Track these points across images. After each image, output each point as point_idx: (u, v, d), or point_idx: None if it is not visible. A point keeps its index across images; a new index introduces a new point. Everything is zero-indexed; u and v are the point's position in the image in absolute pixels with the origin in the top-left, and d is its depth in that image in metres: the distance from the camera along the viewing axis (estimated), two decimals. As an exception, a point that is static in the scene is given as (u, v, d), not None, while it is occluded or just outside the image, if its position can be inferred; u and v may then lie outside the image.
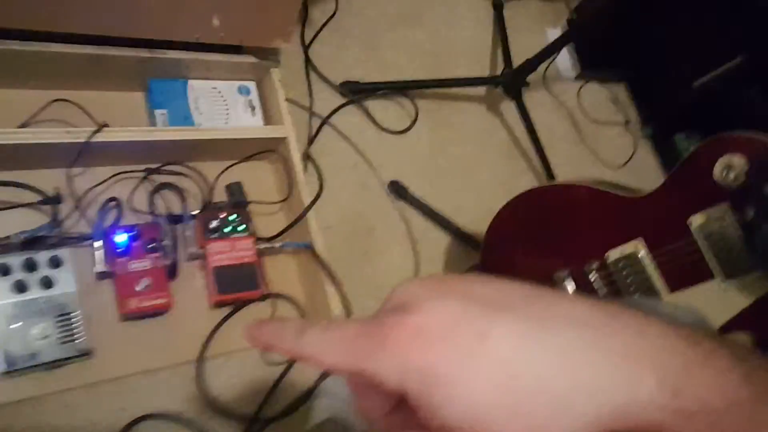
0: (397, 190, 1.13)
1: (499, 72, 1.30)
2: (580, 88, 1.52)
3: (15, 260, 0.72)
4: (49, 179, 0.80)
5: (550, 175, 1.26)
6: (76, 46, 0.81)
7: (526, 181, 1.32)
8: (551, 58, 1.36)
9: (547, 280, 0.92)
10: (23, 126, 0.79)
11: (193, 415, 0.80)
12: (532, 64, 1.19)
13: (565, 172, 1.30)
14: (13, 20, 0.74)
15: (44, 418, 0.72)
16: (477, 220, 1.16)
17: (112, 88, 0.90)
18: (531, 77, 1.25)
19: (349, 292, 0.91)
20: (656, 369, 0.25)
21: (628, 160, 1.49)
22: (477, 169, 1.27)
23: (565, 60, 1.51)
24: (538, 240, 0.95)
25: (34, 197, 0.77)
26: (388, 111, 1.20)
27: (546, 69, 1.46)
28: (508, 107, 1.36)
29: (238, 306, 0.87)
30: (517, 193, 0.97)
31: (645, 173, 1.52)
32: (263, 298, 0.89)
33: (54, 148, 0.77)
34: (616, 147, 1.52)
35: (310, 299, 0.93)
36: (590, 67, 1.52)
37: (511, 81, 1.24)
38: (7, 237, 0.73)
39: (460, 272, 1.10)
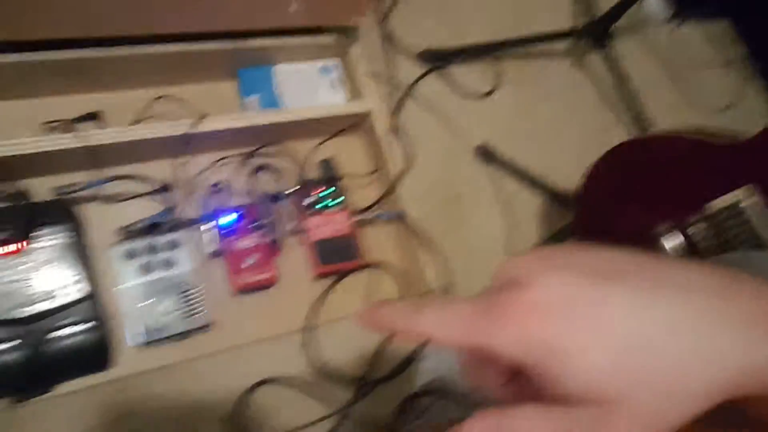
0: (485, 154, 1.13)
1: (581, 24, 1.25)
2: (673, 29, 1.43)
3: (139, 245, 0.79)
4: (159, 170, 0.87)
5: (644, 126, 1.21)
6: (169, 45, 0.86)
7: (619, 134, 1.27)
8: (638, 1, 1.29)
9: (647, 235, 0.90)
10: (135, 124, 0.87)
11: (305, 379, 0.86)
12: (616, 12, 1.14)
13: (660, 123, 1.24)
14: (114, 28, 0.81)
15: (175, 384, 0.79)
16: (569, 178, 1.14)
17: (204, 80, 0.96)
18: (619, 24, 1.19)
19: (443, 257, 0.93)
20: None
21: (731, 104, 1.40)
22: (566, 126, 1.24)
23: (653, 1, 1.43)
24: (635, 194, 0.92)
25: (148, 188, 0.84)
26: (471, 75, 1.19)
27: (634, 12, 1.38)
28: (594, 59, 1.31)
29: (340, 276, 0.91)
30: (609, 147, 0.94)
31: (750, 116, 1.42)
32: (362, 267, 0.93)
33: (162, 141, 0.83)
34: (717, 90, 1.42)
35: (406, 267, 0.96)
36: (684, 6, 1.43)
37: (595, 32, 1.19)
38: (131, 225, 0.81)
39: (553, 232, 1.09)
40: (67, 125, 0.83)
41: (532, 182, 1.14)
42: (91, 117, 0.86)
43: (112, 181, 0.80)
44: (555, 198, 1.14)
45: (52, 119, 0.83)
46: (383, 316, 0.32)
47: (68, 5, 0.76)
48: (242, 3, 0.86)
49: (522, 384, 0.31)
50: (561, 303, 0.27)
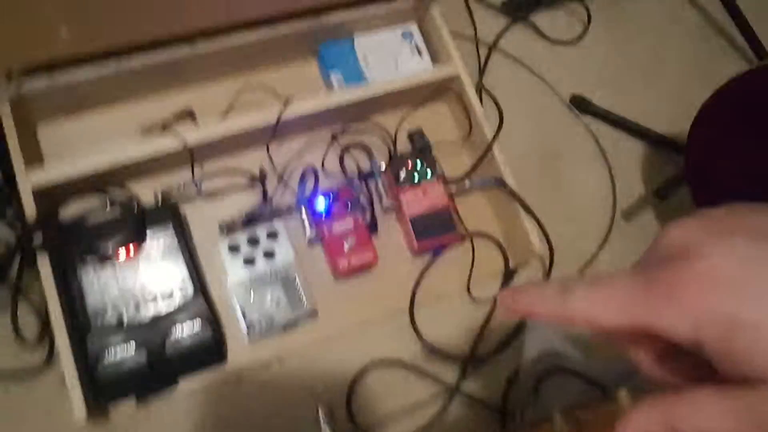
0: (580, 104, 1.06)
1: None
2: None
3: (241, 238, 0.80)
4: (251, 160, 0.87)
5: (761, 52, 1.09)
6: (249, 34, 0.85)
7: (729, 64, 1.16)
8: None
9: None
10: (224, 115, 0.87)
11: (412, 359, 0.85)
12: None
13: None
14: (193, 24, 0.80)
15: (288, 372, 0.81)
16: (674, 120, 1.05)
17: (287, 63, 0.94)
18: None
19: (546, 221, 0.88)
20: None
21: None
22: (665, 62, 1.13)
23: None
24: (759, 133, 0.83)
25: (243, 180, 0.85)
26: (558, 21, 1.11)
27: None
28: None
29: (439, 250, 0.89)
30: (718, 80, 0.85)
31: None
32: (461, 240, 0.90)
33: (253, 131, 0.83)
34: None
35: (509, 235, 0.92)
36: None
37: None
38: (231, 220, 0.82)
39: (662, 181, 1.01)
40: (164, 126, 0.84)
41: (633, 130, 1.06)
42: (184, 115, 0.86)
43: (212, 178, 0.81)
44: (660, 143, 1.06)
45: (148, 122, 0.84)
46: (528, 299, 0.30)
47: (149, 7, 0.76)
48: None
49: (687, 362, 0.28)
50: (740, 272, 0.24)
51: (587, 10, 1.11)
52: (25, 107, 0.79)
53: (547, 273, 0.92)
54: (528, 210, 0.88)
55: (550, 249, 0.90)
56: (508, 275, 0.92)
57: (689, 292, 0.24)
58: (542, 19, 1.10)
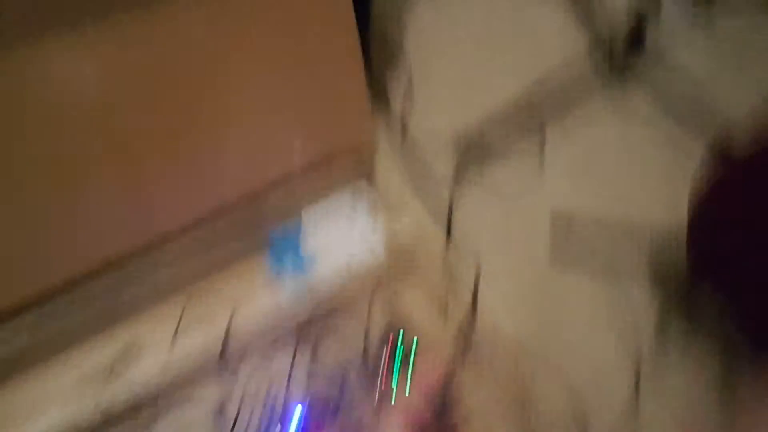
0: (562, 226, 0.97)
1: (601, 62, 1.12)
2: (708, 23, 1.27)
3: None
4: (209, 392, 0.76)
5: (729, 134, 1.03)
6: (184, 237, 0.79)
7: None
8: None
9: None
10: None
11: None
12: (636, 35, 1.00)
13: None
14: (123, 247, 0.74)
15: None
16: (663, 222, 0.97)
17: (237, 262, 0.86)
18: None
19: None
20: None
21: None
22: (640, 165, 1.07)
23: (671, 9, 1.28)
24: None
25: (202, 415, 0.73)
26: (512, 147, 1.06)
27: (657, 28, 1.25)
28: (635, 87, 1.16)
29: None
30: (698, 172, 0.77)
31: None
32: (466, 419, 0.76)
33: (200, 354, 0.73)
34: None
35: (521, 400, 0.79)
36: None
37: (618, 62, 1.05)
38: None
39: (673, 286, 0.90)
40: (106, 371, 0.73)
41: (627, 236, 0.97)
42: (128, 352, 0.76)
43: (158, 419, 0.69)
44: (660, 251, 0.96)
45: (89, 371, 0.74)
46: None
47: (71, 239, 0.70)
48: (242, 162, 0.79)
49: None
50: None
51: (539, 130, 1.06)
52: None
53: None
54: (540, 365, 0.76)
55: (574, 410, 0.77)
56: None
57: None
58: (495, 149, 1.05)
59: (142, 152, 0.71)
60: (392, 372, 0.76)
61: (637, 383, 0.80)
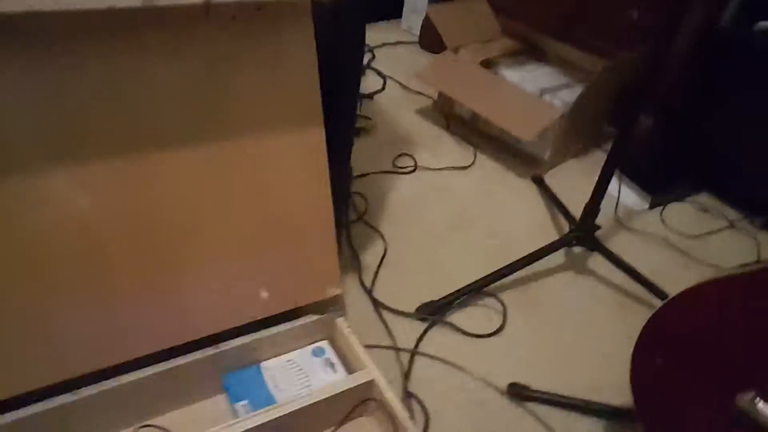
0: (519, 392, 0.99)
1: (566, 233, 1.23)
2: (661, 213, 1.41)
3: None
4: None
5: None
6: (145, 369, 0.81)
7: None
8: (617, 199, 1.30)
9: (727, 406, 0.72)
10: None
11: None
12: (593, 207, 1.13)
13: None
14: (84, 365, 0.77)
15: None
16: (619, 390, 0.99)
17: (193, 400, 0.88)
18: (606, 226, 1.17)
19: None
20: None
21: (747, 261, 1.30)
22: (593, 335, 1.11)
23: (630, 195, 1.43)
24: (700, 366, 0.76)
25: None
26: (475, 317, 1.11)
27: (616, 211, 1.38)
28: (595, 261, 1.26)
29: None
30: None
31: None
32: None
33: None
34: (734, 251, 1.34)
35: None
36: (659, 192, 1.43)
37: (582, 232, 1.16)
38: None
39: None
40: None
41: (582, 408, 0.97)
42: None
43: None
44: (615, 416, 0.96)
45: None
46: None
47: (37, 352, 0.73)
48: (213, 306, 0.84)
49: None
50: None
51: (500, 302, 1.13)
52: None
53: None
54: None
55: None
56: None
57: None
58: (459, 318, 1.10)
59: (118, 281, 0.78)
60: None
61: None
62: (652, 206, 1.42)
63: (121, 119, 0.73)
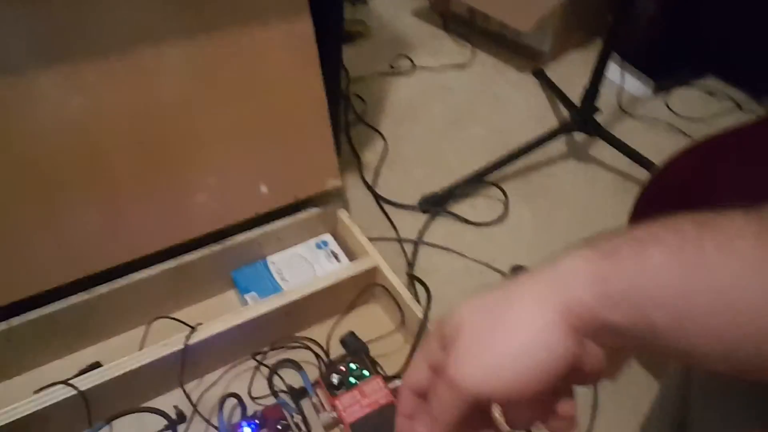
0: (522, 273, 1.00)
1: (565, 118, 1.21)
2: (666, 99, 1.38)
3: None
4: (167, 401, 0.77)
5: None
6: (154, 267, 0.83)
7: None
8: (620, 87, 1.27)
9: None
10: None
11: None
12: (592, 90, 1.10)
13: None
14: (96, 264, 0.79)
15: None
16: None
17: (203, 297, 0.91)
18: (609, 114, 1.15)
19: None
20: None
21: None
22: (596, 219, 1.12)
23: (633, 82, 1.40)
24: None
25: (160, 422, 0.74)
26: (478, 206, 1.12)
27: (619, 100, 1.35)
28: (597, 147, 1.25)
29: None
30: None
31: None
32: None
33: (161, 366, 0.75)
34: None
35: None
36: (663, 77, 1.40)
37: (582, 116, 1.14)
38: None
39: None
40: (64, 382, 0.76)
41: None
42: (91, 369, 0.79)
43: (107, 424, 0.70)
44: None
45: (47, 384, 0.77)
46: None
47: (48, 253, 0.76)
48: (215, 202, 0.85)
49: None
50: (469, 309, 0.36)
51: (502, 190, 1.13)
52: None
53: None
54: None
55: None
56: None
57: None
58: (461, 208, 1.11)
59: (120, 180, 0.79)
60: (342, 387, 0.77)
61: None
62: (656, 92, 1.39)
63: (109, 17, 0.72)
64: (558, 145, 1.23)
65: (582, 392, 0.86)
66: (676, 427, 0.54)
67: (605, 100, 1.23)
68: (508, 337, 0.32)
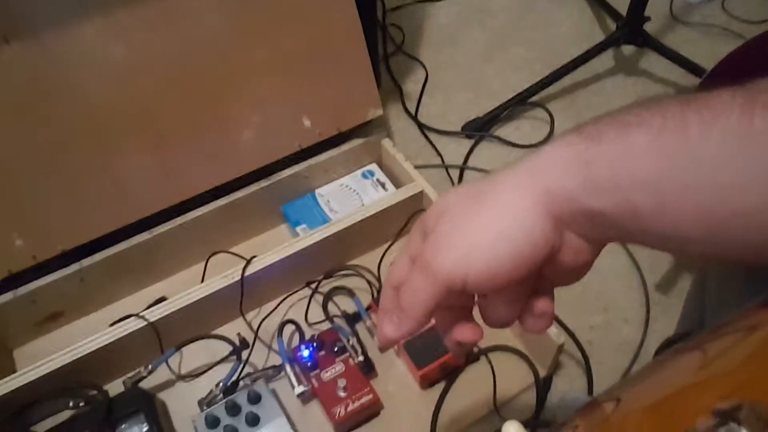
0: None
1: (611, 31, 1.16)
2: (722, 2, 1.30)
3: (219, 409, 0.71)
4: (229, 330, 0.82)
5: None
6: (207, 205, 0.87)
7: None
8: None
9: None
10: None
11: None
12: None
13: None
14: (156, 205, 0.83)
15: None
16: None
17: (258, 231, 0.94)
18: (660, 23, 1.09)
19: (567, 314, 0.77)
20: None
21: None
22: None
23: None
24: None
25: (225, 349, 0.79)
26: (522, 128, 1.10)
27: (671, 8, 1.28)
28: (648, 59, 1.19)
29: (450, 375, 0.77)
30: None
31: None
32: (473, 356, 0.78)
33: (221, 296, 0.79)
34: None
35: (528, 339, 0.80)
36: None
37: (630, 27, 1.09)
38: (209, 393, 0.74)
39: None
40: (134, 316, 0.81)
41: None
42: (157, 303, 0.84)
43: (177, 350, 0.75)
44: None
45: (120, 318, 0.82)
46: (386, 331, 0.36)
47: (108, 198, 0.80)
48: (260, 138, 0.87)
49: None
50: (454, 196, 0.35)
51: (547, 111, 1.11)
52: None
53: (588, 375, 0.78)
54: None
55: (580, 347, 0.78)
56: (543, 387, 0.77)
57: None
58: (506, 131, 1.10)
59: (166, 125, 0.81)
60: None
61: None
62: (711, -5, 1.31)
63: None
64: (604, 60, 1.18)
65: (635, 305, 0.86)
66: (697, 317, 0.54)
67: (655, 9, 1.16)
68: (485, 222, 0.32)
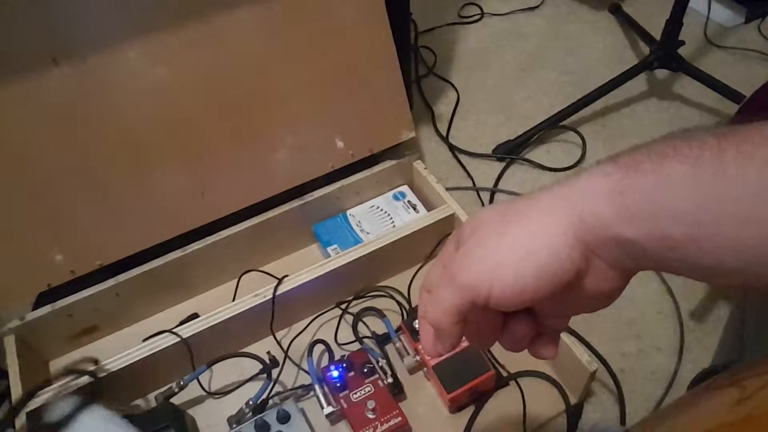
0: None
1: (645, 54, 1.15)
2: (759, 26, 1.28)
3: (248, 427, 0.72)
4: (259, 348, 0.82)
5: None
6: (240, 224, 0.88)
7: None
8: (706, 17, 1.19)
9: None
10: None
11: None
12: (674, 21, 1.04)
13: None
14: (191, 223, 0.85)
15: None
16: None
17: (287, 251, 0.95)
18: (695, 47, 1.08)
19: (600, 341, 0.76)
20: None
21: None
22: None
23: (721, 11, 1.31)
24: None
25: (255, 367, 0.79)
26: (554, 151, 1.10)
27: (705, 31, 1.27)
28: (682, 83, 1.18)
29: (479, 400, 0.77)
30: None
31: None
32: (502, 381, 0.78)
33: (253, 315, 0.80)
34: None
35: (559, 365, 0.79)
36: (755, 2, 1.29)
37: (664, 51, 1.08)
38: (239, 411, 0.75)
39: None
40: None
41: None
42: (190, 319, 0.85)
43: (208, 367, 0.76)
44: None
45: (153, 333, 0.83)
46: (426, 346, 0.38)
47: (145, 215, 0.81)
48: (293, 159, 0.88)
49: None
50: (488, 215, 0.36)
51: (579, 134, 1.10)
52: (33, 343, 0.80)
53: (621, 404, 0.77)
54: (573, 332, 0.77)
55: (612, 375, 0.77)
56: (574, 414, 0.76)
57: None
58: (537, 154, 1.10)
59: (204, 145, 0.83)
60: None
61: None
62: (747, 20, 1.30)
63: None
64: (637, 84, 1.18)
65: (668, 333, 0.85)
66: (734, 349, 0.54)
67: (689, 32, 1.16)
68: (515, 240, 0.32)
